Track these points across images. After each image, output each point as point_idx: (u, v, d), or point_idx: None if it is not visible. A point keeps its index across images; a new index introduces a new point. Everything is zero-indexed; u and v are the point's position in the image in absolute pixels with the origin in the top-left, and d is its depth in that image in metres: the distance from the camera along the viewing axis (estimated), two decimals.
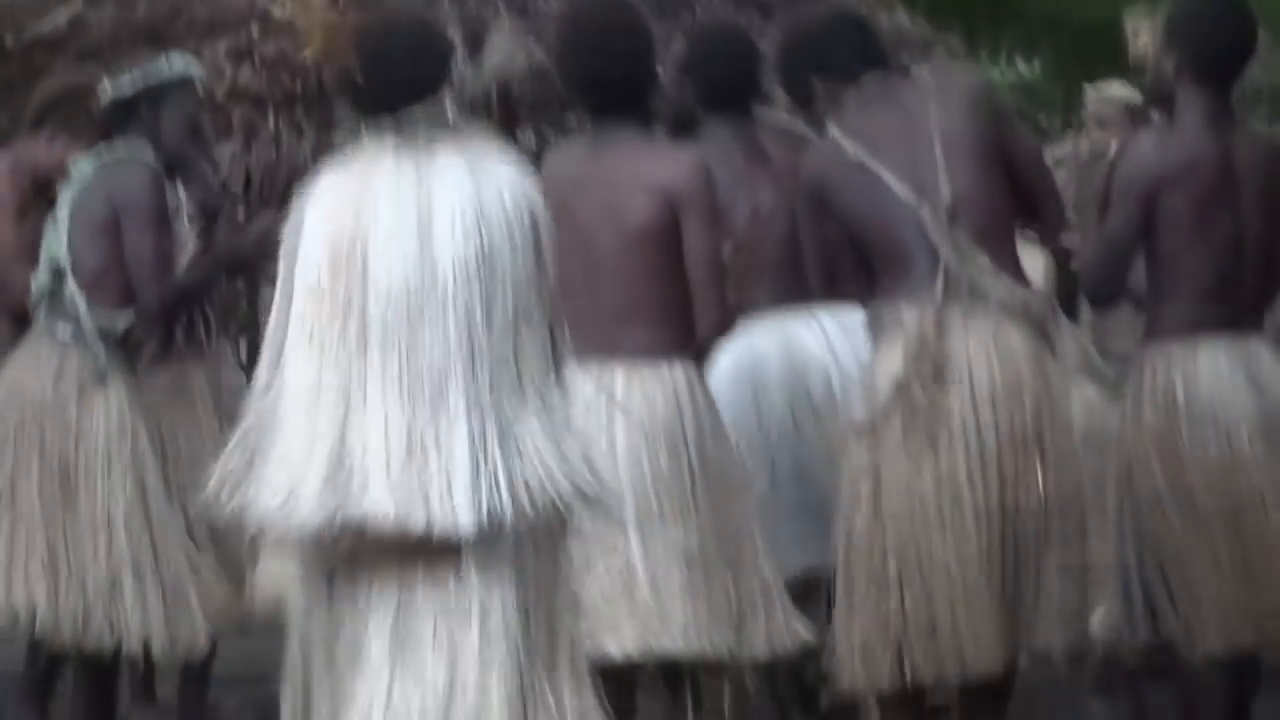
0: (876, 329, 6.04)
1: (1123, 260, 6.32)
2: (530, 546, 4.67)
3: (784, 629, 6.15)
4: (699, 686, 6.36)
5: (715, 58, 7.06)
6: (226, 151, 11.20)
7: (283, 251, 4.72)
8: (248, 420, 4.78)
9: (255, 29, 12.17)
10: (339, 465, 4.61)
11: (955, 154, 5.99)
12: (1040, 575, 5.93)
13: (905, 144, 6.06)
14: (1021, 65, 13.97)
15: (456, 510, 4.55)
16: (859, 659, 5.90)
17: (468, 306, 4.62)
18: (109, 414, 7.03)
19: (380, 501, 4.57)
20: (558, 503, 4.65)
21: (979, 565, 5.85)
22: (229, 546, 7.44)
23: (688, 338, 6.13)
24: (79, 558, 6.94)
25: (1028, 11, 12.45)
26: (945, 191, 5.94)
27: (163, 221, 7.11)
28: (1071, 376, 6.74)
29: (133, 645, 6.92)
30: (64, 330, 7.06)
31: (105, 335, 7.03)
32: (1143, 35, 6.77)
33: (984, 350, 5.88)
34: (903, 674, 5.89)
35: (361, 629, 4.70)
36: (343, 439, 4.62)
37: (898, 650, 5.88)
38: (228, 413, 7.27)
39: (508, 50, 6.91)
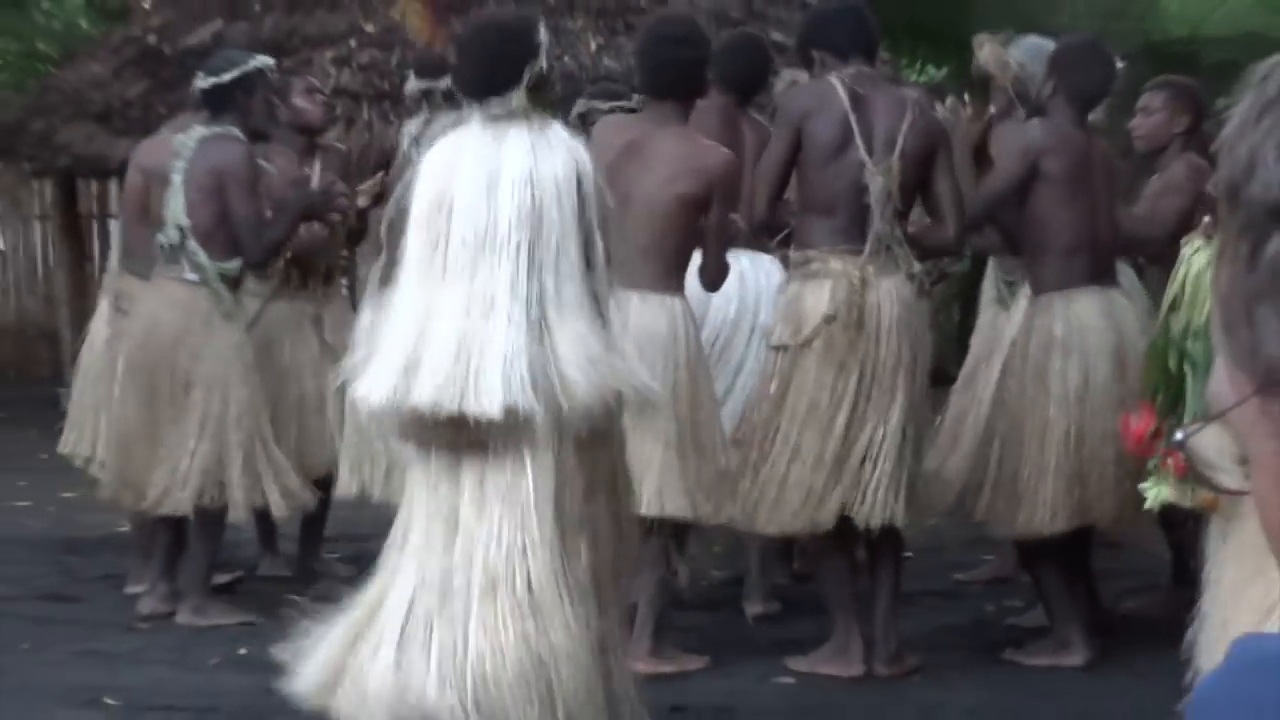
0: (803, 269, 6.31)
1: (995, 210, 6.59)
2: (566, 431, 4.78)
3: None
4: (681, 542, 6.63)
5: (734, 58, 7.19)
6: (331, 136, 11.53)
7: (411, 199, 4.97)
8: (368, 321, 5.09)
9: (354, 42, 12.89)
10: (411, 363, 4.78)
11: (905, 154, 6.24)
12: (909, 457, 6.27)
13: (876, 125, 6.26)
14: (931, 69, 14.45)
15: (487, 400, 4.69)
16: (764, 506, 6.30)
17: (518, 246, 4.76)
18: (227, 340, 7.26)
19: (429, 392, 4.74)
20: (583, 398, 4.75)
21: (851, 450, 6.20)
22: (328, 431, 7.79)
23: (683, 279, 6.39)
24: (202, 449, 7.18)
25: (936, 31, 12.84)
26: (895, 175, 6.21)
27: (256, 185, 7.32)
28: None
29: (240, 512, 7.28)
30: (189, 275, 7.25)
31: (223, 279, 7.27)
32: (984, 48, 7.16)
33: (889, 299, 6.22)
34: (783, 520, 6.29)
35: (429, 489, 4.85)
36: (416, 344, 4.79)
37: (779, 501, 6.24)
38: (336, 336, 7.73)
39: None
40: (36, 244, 17.48)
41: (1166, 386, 5.38)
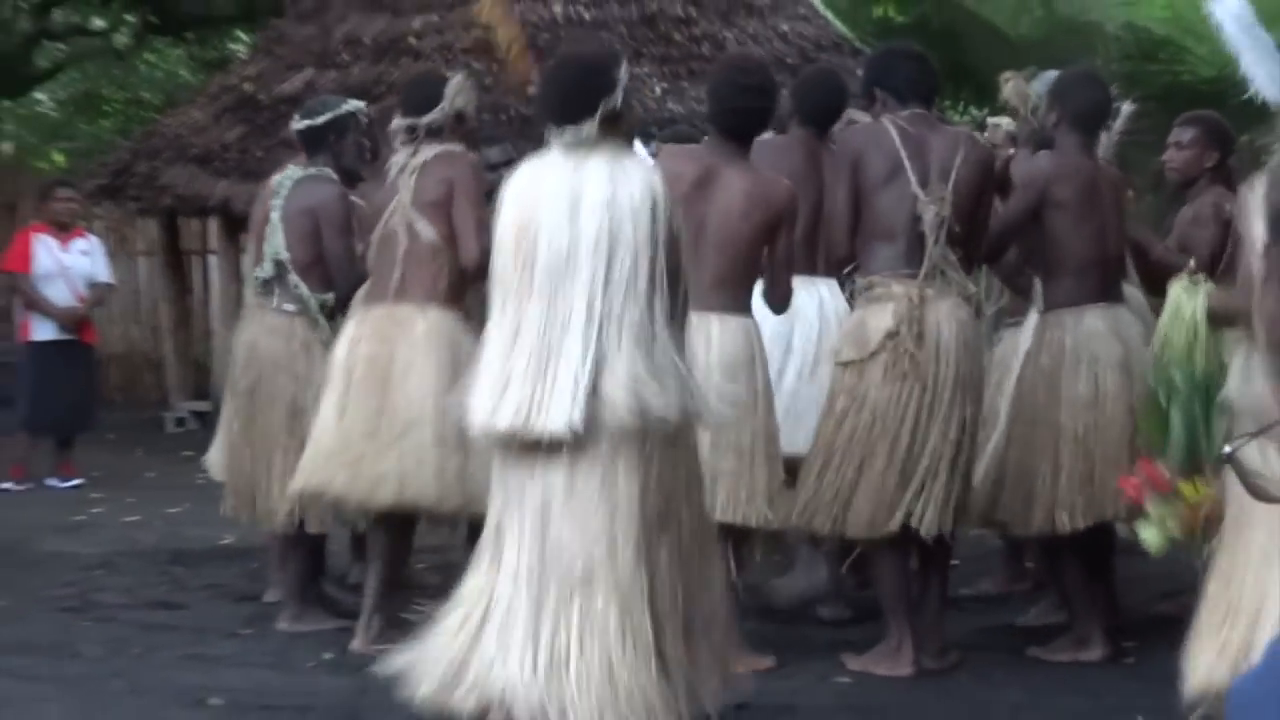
0: (868, 294, 6.48)
1: (1013, 235, 6.76)
2: (638, 443, 4.82)
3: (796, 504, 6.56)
4: (747, 542, 6.75)
5: (813, 92, 7.46)
6: None
7: (496, 225, 5.01)
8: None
9: None
10: (501, 384, 4.86)
11: (958, 185, 6.45)
12: (961, 471, 6.43)
13: (930, 160, 6.45)
14: (974, 110, 14.60)
15: (553, 418, 4.76)
16: (826, 511, 6.40)
17: (594, 268, 4.78)
18: (324, 367, 7.11)
19: (508, 415, 4.83)
20: (649, 414, 4.79)
21: (916, 462, 6.34)
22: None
23: (751, 301, 6.50)
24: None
25: (977, 72, 12.97)
26: (948, 206, 6.40)
27: (349, 225, 7.33)
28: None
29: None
30: (288, 306, 7.33)
31: (323, 309, 7.33)
32: (1009, 84, 7.39)
33: (947, 319, 6.38)
34: (846, 525, 6.40)
35: (517, 499, 4.90)
36: (504, 365, 4.86)
37: (844, 508, 6.37)
38: None
39: (464, 89, 6.89)
40: (141, 278, 17.77)
41: (1165, 431, 5.52)
